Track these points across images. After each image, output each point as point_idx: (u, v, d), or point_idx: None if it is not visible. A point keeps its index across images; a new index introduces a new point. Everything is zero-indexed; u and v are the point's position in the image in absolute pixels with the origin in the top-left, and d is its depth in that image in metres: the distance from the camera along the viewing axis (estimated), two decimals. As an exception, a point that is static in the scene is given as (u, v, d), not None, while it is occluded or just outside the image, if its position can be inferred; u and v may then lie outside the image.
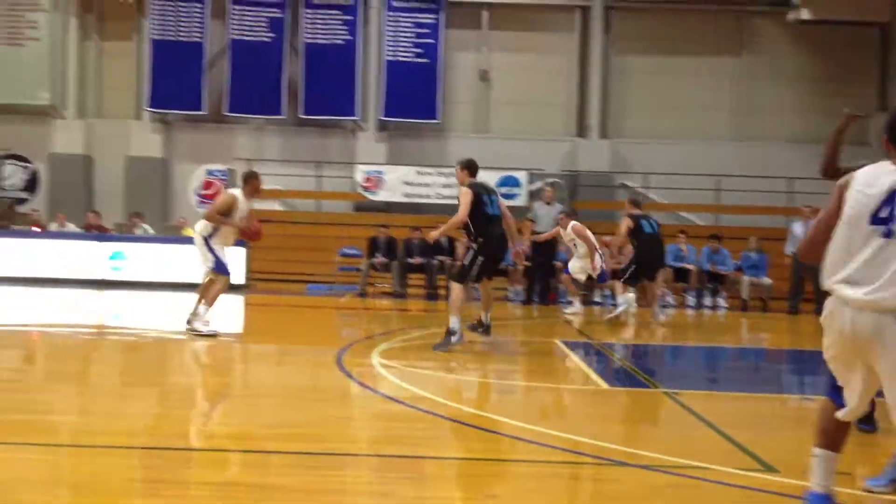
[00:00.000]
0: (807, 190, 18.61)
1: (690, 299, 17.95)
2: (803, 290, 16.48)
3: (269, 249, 18.98)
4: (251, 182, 10.41)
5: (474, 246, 9.55)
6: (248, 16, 21.98)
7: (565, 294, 16.01)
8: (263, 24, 22.00)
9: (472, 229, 9.50)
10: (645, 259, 13.26)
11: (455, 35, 22.32)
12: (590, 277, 14.26)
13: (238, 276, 17.12)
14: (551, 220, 16.64)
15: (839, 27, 21.30)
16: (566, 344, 10.73)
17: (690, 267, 17.95)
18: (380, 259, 17.79)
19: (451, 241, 17.06)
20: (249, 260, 17.68)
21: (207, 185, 22.17)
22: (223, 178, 21.83)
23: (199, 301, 10.21)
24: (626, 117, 22.53)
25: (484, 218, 9.47)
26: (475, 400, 7.49)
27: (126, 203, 21.66)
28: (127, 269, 17.22)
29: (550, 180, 18.77)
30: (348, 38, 22.05)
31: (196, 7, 21.95)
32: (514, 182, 20.74)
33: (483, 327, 9.90)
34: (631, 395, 7.91)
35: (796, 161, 20.88)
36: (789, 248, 16.88)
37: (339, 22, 22.05)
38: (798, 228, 16.77)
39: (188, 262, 17.06)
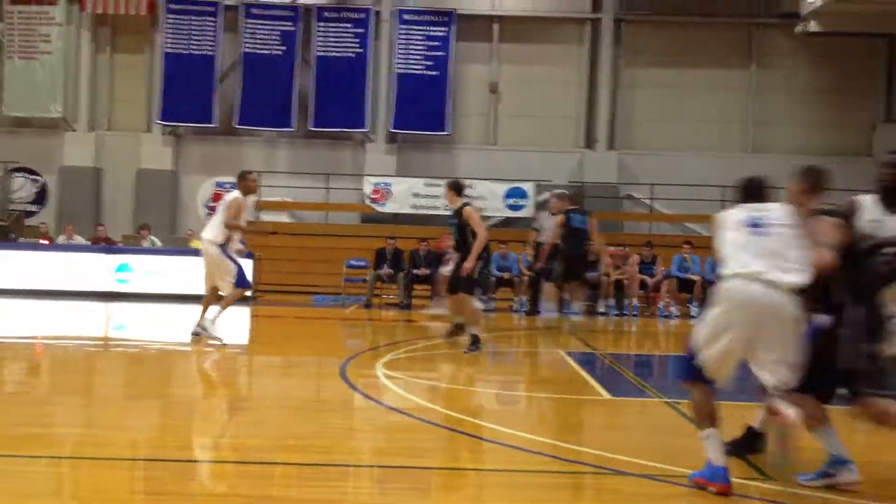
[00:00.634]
0: (814, 202, 18.59)
1: (694, 309, 17.91)
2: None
3: (276, 261, 19.09)
4: (245, 179, 10.49)
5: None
6: (260, 29, 22.16)
7: (568, 303, 16.03)
8: (276, 38, 22.17)
9: (468, 245, 10.22)
10: (573, 256, 13.19)
11: (465, 47, 22.43)
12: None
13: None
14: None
15: (847, 39, 21.31)
16: (570, 354, 10.76)
17: (695, 277, 17.93)
18: (386, 270, 17.84)
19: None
20: (257, 271, 17.74)
21: (216, 197, 22.23)
22: (232, 190, 21.90)
23: (204, 312, 10.26)
24: (634, 129, 22.57)
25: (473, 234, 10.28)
26: (478, 411, 7.52)
27: (135, 215, 21.83)
28: (134, 282, 17.27)
29: (558, 191, 18.82)
30: (359, 50, 22.18)
31: (209, 21, 22.14)
32: (521, 193, 20.80)
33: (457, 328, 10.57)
34: (633, 405, 7.93)
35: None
36: None
37: (351, 35, 22.19)
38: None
39: (195, 273, 17.22)
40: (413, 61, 22.25)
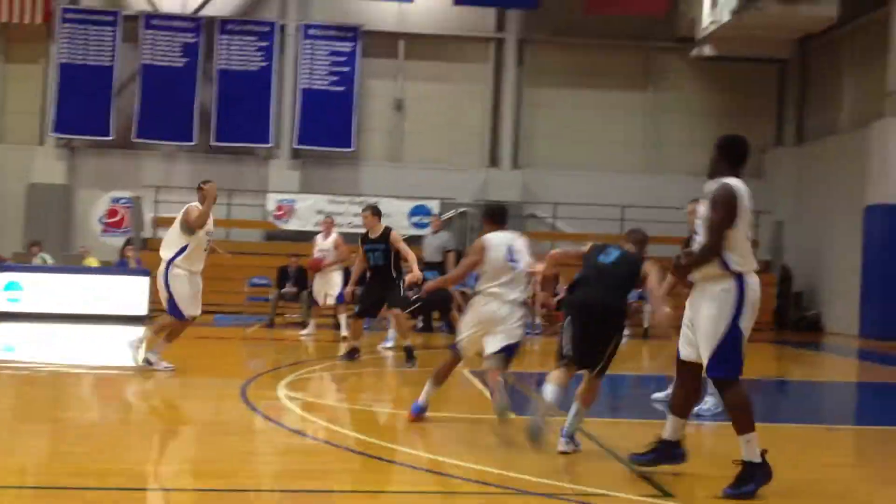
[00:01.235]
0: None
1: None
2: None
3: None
4: (201, 189, 9.71)
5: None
6: (160, 40, 21.70)
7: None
8: (177, 50, 21.74)
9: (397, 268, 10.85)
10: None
11: (371, 64, 22.41)
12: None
13: (141, 306, 16.76)
14: (435, 248, 16.82)
15: (740, 64, 22.11)
16: (474, 373, 10.77)
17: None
18: (290, 289, 17.61)
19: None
20: (153, 290, 17.28)
21: (112, 212, 21.70)
22: (129, 205, 21.37)
23: (152, 334, 9.80)
24: (538, 148, 22.91)
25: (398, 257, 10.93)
26: (382, 432, 7.45)
27: (25, 231, 20.98)
28: (24, 301, 16.59)
29: (437, 212, 19.03)
30: (263, 64, 21.94)
31: (107, 31, 21.57)
32: (425, 211, 20.81)
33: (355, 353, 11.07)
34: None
35: (698, 192, 21.41)
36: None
37: (255, 48, 21.94)
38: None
39: (90, 292, 16.75)
40: (318, 76, 22.11)
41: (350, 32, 22.16)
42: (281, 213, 21.12)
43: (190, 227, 9.56)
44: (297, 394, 8.52)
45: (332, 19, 22.27)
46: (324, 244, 14.86)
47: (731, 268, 5.22)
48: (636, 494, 5.21)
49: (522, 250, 7.21)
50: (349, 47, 22.15)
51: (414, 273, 10.16)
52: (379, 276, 10.86)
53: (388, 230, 10.79)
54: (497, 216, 7.55)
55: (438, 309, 16.21)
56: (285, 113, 22.11)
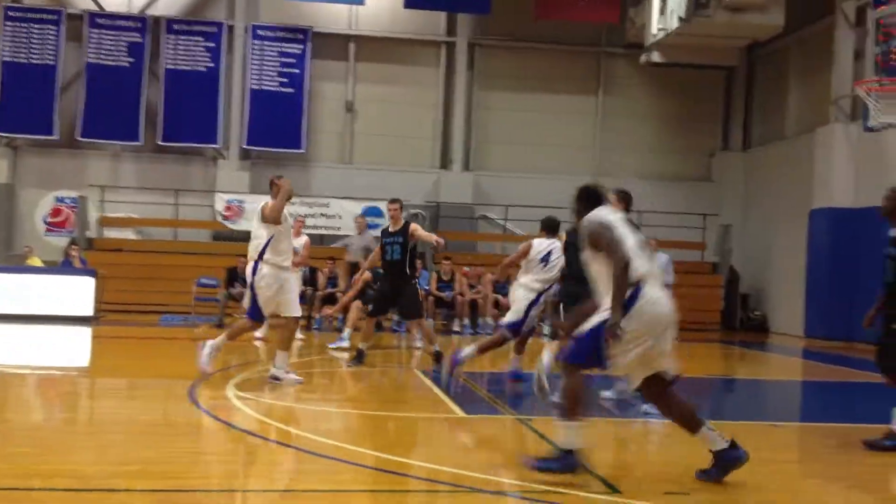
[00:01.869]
0: (655, 223, 19.42)
1: (545, 328, 18.31)
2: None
3: (121, 279, 18.38)
4: (275, 185, 9.18)
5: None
6: (106, 40, 21.38)
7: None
8: (122, 49, 21.44)
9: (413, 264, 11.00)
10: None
11: (321, 65, 22.30)
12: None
13: (86, 307, 16.48)
14: (359, 249, 16.83)
15: (688, 70, 22.41)
16: (424, 373, 10.77)
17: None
18: (238, 289, 17.43)
19: (313, 270, 16.94)
20: (99, 290, 17.02)
21: (56, 212, 21.31)
22: (73, 205, 21.00)
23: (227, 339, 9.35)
24: (489, 151, 22.99)
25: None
26: (333, 431, 7.40)
27: (-34, 231, 20.55)
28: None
29: (360, 212, 19.02)
30: (211, 65, 21.72)
31: (51, 29, 21.19)
32: (377, 212, 20.73)
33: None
34: (487, 423, 7.99)
35: (647, 196, 21.80)
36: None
37: (202, 49, 21.71)
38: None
39: (33, 292, 16.41)
40: (267, 78, 21.95)
41: (300, 34, 22.04)
42: (230, 213, 20.92)
43: (267, 224, 9.27)
44: (247, 394, 8.43)
45: (281, 20, 22.11)
46: (295, 242, 14.43)
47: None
48: (586, 492, 5.24)
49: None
50: (299, 49, 22.02)
51: (439, 240, 10.59)
52: (393, 273, 10.77)
53: (407, 223, 10.74)
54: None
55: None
56: (234, 113, 21.91)
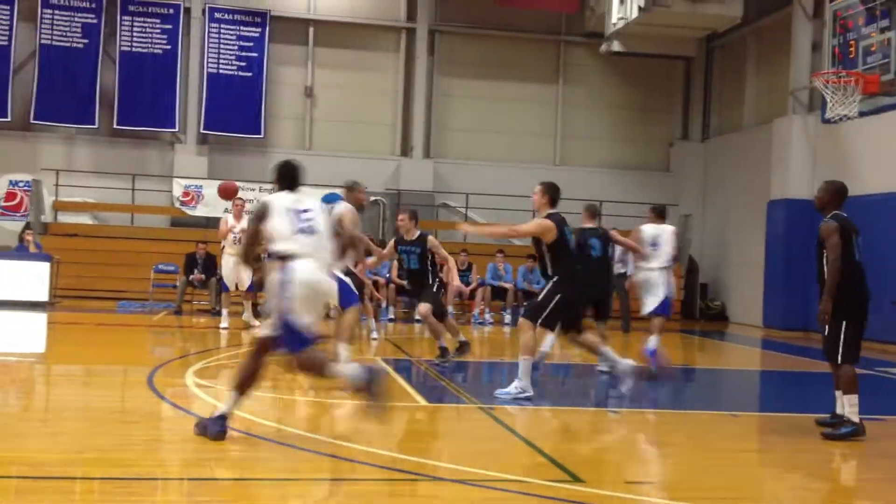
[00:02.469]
0: (615, 212, 19.54)
1: (507, 317, 18.40)
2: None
3: (77, 265, 18.11)
4: (353, 191, 9.48)
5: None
6: (60, 20, 20.93)
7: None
8: (76, 30, 21.00)
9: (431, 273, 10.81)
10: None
11: (280, 50, 22.07)
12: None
13: (41, 292, 16.23)
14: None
15: (648, 60, 22.50)
16: (386, 361, 10.73)
17: (507, 286, 18.48)
18: (197, 276, 17.26)
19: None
20: (54, 275, 16.75)
21: (10, 196, 20.87)
22: (27, 188, 20.60)
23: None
24: (449, 138, 22.93)
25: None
26: (293, 419, 7.35)
27: (-85, 215, 20.07)
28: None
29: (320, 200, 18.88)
30: (167, 47, 21.39)
31: (3, 9, 20.70)
32: (336, 199, 20.56)
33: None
34: (448, 411, 8.00)
35: (606, 185, 21.97)
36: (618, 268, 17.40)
37: (159, 31, 21.36)
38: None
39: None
40: (225, 61, 21.67)
41: (257, 17, 21.77)
42: (188, 198, 20.66)
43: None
44: (206, 381, 8.34)
45: (239, 3, 21.82)
46: (239, 225, 14.26)
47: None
48: (547, 480, 5.25)
49: None
50: (257, 32, 21.76)
51: (455, 284, 11.02)
52: (415, 280, 10.77)
53: (424, 235, 10.62)
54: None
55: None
56: (192, 97, 21.60)
